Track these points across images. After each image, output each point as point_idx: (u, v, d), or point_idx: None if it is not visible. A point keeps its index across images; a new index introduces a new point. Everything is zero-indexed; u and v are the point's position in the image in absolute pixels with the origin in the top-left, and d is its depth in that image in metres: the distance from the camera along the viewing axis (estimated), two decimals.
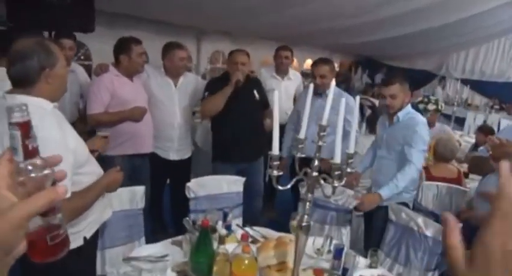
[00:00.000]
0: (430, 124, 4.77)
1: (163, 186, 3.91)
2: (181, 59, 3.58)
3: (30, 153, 0.65)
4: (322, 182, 1.66)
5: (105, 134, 2.66)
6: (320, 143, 1.65)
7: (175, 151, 3.72)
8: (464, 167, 4.21)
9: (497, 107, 10.35)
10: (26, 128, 0.65)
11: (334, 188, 1.57)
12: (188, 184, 2.79)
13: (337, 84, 6.55)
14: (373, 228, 2.98)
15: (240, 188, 3.04)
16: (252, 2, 5.25)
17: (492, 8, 7.09)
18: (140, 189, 2.54)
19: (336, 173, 1.55)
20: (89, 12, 3.73)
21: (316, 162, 1.67)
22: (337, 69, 12.92)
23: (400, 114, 2.97)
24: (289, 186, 1.68)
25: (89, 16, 3.76)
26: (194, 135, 4.65)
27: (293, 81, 4.73)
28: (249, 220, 3.56)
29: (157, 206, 3.92)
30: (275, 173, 1.61)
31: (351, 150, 1.68)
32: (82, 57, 5.88)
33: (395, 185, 2.81)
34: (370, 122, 4.54)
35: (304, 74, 8.32)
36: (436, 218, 3.45)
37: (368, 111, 6.84)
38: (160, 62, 3.67)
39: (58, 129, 1.64)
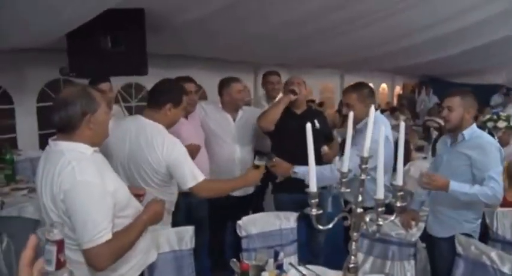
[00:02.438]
0: (503, 143, 4.39)
1: (225, 223, 3.85)
2: (239, 92, 3.59)
3: (62, 264, 0.84)
4: (367, 219, 1.52)
5: None
6: (363, 177, 1.52)
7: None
8: None
9: None
10: (60, 244, 0.84)
11: (378, 226, 1.43)
12: (239, 222, 2.72)
13: (400, 107, 6.25)
14: (440, 263, 2.72)
15: (294, 224, 2.91)
16: (305, 31, 5.21)
17: None
18: (189, 229, 2.51)
19: (380, 209, 1.41)
20: (142, 56, 3.87)
21: (360, 198, 1.54)
22: (400, 92, 12.55)
23: (465, 132, 2.70)
24: (330, 225, 1.56)
25: (142, 60, 3.90)
26: None
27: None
28: (311, 257, 3.39)
29: (218, 243, 3.86)
30: (314, 211, 1.50)
31: (399, 182, 1.54)
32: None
33: (469, 187, 2.53)
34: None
35: None
36: None
37: (435, 134, 6.47)
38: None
39: (96, 174, 1.66)
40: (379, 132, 1.50)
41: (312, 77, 8.09)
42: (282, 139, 3.40)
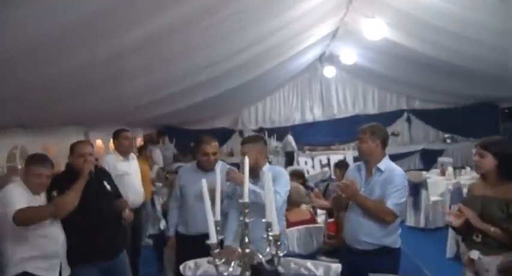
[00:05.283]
0: None
1: None
2: (34, 176, 3.06)
3: None
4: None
5: None
6: (247, 220, 1.71)
7: (64, 269, 3.14)
8: None
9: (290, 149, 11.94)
10: None
11: (278, 258, 1.64)
12: None
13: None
14: None
15: None
16: (49, 91, 4.90)
17: (275, 66, 8.61)
18: None
19: (279, 243, 1.62)
20: None
21: (247, 239, 1.71)
22: (142, 143, 12.87)
23: (264, 168, 3.16)
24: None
25: None
26: None
27: (135, 160, 4.78)
28: None
29: None
30: (217, 262, 1.60)
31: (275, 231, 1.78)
32: None
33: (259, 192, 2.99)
34: None
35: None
36: (304, 258, 3.76)
37: None
38: None
39: None
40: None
41: (58, 138, 7.62)
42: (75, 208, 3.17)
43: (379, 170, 3.10)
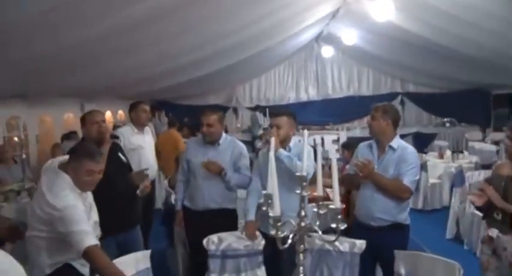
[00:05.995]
0: None
1: None
2: None
3: None
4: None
5: None
6: (304, 194, 1.72)
7: None
8: None
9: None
10: None
11: (339, 229, 1.66)
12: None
13: None
14: (288, 262, 3.11)
15: (148, 263, 2.80)
16: (54, 61, 4.79)
17: (275, 43, 8.66)
18: None
19: (339, 216, 1.64)
20: None
21: (303, 213, 1.73)
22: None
23: (291, 144, 3.28)
24: (286, 245, 1.70)
25: None
26: None
27: (150, 134, 4.75)
28: None
29: None
30: (280, 234, 1.61)
31: (337, 204, 1.80)
32: None
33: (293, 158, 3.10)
34: None
35: None
36: None
37: None
38: None
39: None
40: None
41: (55, 109, 7.62)
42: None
43: (391, 148, 3.17)
